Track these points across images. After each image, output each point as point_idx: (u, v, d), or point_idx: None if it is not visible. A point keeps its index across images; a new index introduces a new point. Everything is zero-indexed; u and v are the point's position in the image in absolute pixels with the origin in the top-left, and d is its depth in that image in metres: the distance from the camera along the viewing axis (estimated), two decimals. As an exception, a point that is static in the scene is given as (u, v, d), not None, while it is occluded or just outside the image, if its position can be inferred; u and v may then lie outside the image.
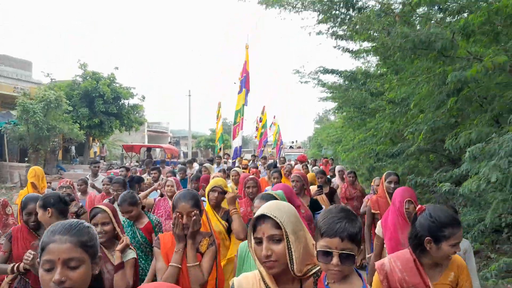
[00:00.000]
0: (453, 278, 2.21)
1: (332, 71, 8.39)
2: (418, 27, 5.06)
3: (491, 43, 4.22)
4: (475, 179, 3.54)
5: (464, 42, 4.15)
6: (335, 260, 1.52)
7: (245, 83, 10.32)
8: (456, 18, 4.52)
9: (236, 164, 10.52)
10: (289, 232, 1.58)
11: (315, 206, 4.62)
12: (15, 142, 18.63)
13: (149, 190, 5.78)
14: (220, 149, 16.26)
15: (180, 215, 2.57)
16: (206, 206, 3.80)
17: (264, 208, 1.66)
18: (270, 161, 13.39)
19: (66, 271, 1.38)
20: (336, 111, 13.19)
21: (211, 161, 11.75)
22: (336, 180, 8.00)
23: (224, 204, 3.96)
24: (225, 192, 3.89)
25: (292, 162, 12.52)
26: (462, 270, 2.23)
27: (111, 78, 24.90)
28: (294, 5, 5.63)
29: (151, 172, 7.08)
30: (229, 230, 3.77)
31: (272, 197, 2.71)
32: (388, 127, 6.72)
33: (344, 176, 7.36)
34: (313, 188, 5.44)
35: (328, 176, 7.50)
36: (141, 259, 3.58)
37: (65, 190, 4.95)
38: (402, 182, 5.31)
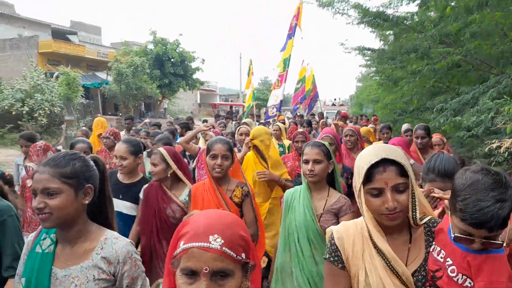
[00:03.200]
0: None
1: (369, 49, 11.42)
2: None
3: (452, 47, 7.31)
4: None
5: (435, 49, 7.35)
6: (476, 245, 1.28)
7: (294, 31, 9.78)
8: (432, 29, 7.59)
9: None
10: (413, 180, 1.42)
11: None
12: (110, 99, 23.11)
13: (194, 131, 5.09)
14: (253, 106, 15.09)
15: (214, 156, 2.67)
16: (252, 153, 3.94)
17: (380, 151, 1.44)
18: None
19: (43, 198, 1.49)
20: (374, 75, 16.08)
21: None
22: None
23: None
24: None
25: (329, 120, 12.67)
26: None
27: (177, 44, 28.63)
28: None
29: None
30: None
31: (322, 144, 2.65)
32: (405, 92, 9.97)
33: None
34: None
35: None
36: None
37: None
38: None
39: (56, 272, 1.54)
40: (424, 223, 1.50)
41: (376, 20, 8.42)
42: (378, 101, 18.04)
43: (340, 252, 1.52)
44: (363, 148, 4.19)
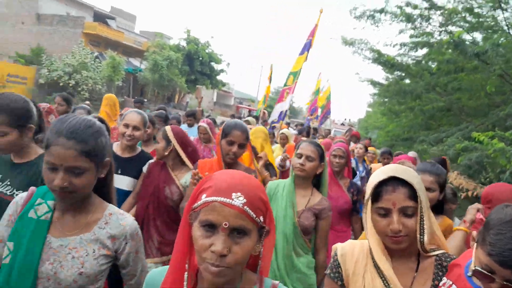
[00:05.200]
0: None
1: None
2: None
3: (441, 95, 9.66)
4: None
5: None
6: (495, 286, 1.20)
7: (308, 47, 9.54)
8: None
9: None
10: (424, 205, 1.38)
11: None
12: (140, 86, 25.56)
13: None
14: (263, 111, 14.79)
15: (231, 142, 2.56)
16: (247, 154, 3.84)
17: (392, 170, 1.42)
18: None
19: (69, 177, 1.34)
20: (380, 105, 18.37)
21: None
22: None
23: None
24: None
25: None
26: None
27: (207, 45, 31.13)
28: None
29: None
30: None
31: (318, 145, 2.64)
32: (403, 124, 12.35)
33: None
34: (375, 167, 5.95)
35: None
36: None
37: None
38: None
39: (50, 240, 1.41)
40: (436, 255, 1.45)
41: (386, 63, 10.78)
42: (382, 128, 20.35)
43: (341, 269, 1.51)
44: (349, 173, 4.01)
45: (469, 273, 1.28)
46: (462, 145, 6.73)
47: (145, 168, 3.02)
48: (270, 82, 15.20)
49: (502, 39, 6.76)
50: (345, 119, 33.52)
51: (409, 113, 11.63)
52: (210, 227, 0.99)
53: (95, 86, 21.14)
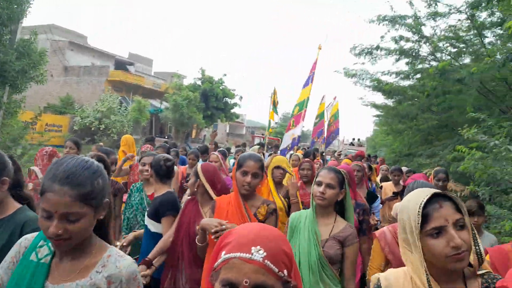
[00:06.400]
0: None
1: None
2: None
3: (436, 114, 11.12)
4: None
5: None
6: None
7: (311, 79, 10.13)
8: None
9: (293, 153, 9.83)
10: (466, 216, 1.33)
11: (371, 197, 4.76)
12: (162, 124, 27.68)
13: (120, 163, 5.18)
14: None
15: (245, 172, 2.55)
16: (269, 182, 3.94)
17: (428, 190, 1.39)
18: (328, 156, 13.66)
19: (63, 224, 1.29)
20: (382, 125, 19.88)
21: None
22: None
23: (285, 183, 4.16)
24: (286, 172, 4.08)
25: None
26: None
27: (221, 82, 33.28)
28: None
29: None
30: (289, 208, 3.87)
31: (339, 171, 2.63)
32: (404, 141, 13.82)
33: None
34: (386, 186, 6.14)
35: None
36: (142, 222, 3.61)
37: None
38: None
39: (48, 287, 1.36)
40: (482, 276, 1.36)
41: (385, 90, 12.37)
42: (388, 146, 21.79)
43: None
44: (367, 185, 4.95)
45: None
46: (451, 155, 8.15)
47: (183, 205, 3.17)
48: (275, 106, 14.49)
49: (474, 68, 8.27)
50: (354, 139, 32.89)
51: (409, 131, 13.12)
52: (231, 287, 0.95)
53: (123, 129, 23.15)
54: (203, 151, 7.46)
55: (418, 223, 1.33)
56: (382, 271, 2.34)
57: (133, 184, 3.90)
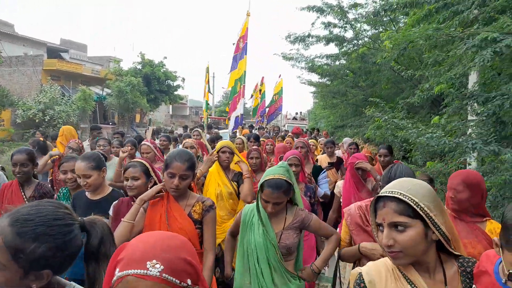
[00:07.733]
0: None
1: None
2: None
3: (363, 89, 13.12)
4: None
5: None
6: None
7: (245, 50, 9.88)
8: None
9: (238, 134, 9.85)
10: (431, 217, 1.35)
11: (317, 169, 4.97)
12: (105, 111, 27.81)
13: (45, 157, 4.97)
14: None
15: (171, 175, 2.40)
16: (215, 167, 3.90)
17: (390, 186, 1.45)
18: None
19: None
20: (319, 100, 21.98)
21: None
22: (339, 152, 8.01)
23: (234, 167, 4.01)
24: (233, 153, 3.94)
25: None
26: None
27: (161, 65, 33.61)
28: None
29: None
30: (239, 192, 3.78)
31: (282, 185, 2.41)
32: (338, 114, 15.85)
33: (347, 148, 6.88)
34: (321, 158, 6.43)
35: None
36: None
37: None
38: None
39: None
40: (457, 260, 1.43)
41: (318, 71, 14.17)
42: (325, 118, 24.01)
43: None
44: (313, 160, 5.55)
45: (503, 280, 1.25)
46: (373, 125, 10.11)
47: (111, 211, 2.94)
48: (208, 84, 14.75)
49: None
50: (296, 113, 33.62)
51: (341, 105, 15.10)
52: None
53: (69, 118, 23.23)
54: (138, 142, 7.00)
55: (373, 217, 1.45)
56: (350, 244, 2.49)
57: (60, 190, 3.61)
